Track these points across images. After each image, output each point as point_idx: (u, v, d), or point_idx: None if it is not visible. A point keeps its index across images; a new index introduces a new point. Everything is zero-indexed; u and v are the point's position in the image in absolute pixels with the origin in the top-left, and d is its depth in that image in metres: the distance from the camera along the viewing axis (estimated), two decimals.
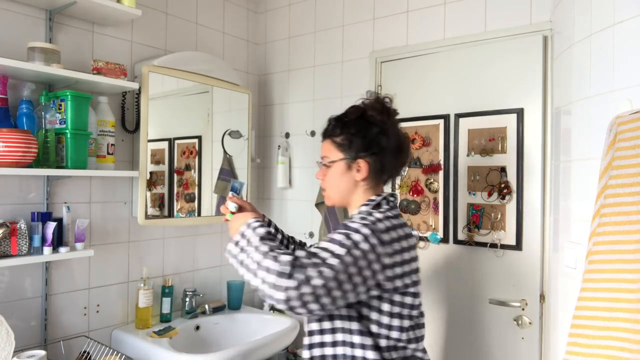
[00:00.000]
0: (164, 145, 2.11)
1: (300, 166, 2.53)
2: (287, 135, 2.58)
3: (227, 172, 2.39)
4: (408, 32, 2.17)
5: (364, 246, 1.07)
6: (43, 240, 1.64)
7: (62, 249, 1.68)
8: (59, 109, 1.68)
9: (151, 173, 2.03)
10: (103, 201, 1.96)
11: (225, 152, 2.37)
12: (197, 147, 2.26)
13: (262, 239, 1.10)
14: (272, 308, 2.49)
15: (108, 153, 1.87)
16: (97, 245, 1.93)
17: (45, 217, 1.67)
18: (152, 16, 2.15)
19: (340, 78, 2.39)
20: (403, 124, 2.13)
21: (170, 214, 2.13)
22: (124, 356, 1.71)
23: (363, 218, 1.14)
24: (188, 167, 2.21)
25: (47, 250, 1.64)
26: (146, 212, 2.01)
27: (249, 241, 1.11)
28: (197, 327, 2.15)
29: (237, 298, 2.36)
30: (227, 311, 2.33)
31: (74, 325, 1.87)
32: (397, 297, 1.16)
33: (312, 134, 2.47)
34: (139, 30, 2.10)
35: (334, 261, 1.03)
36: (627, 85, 1.30)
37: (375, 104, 1.27)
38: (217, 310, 2.29)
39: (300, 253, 1.05)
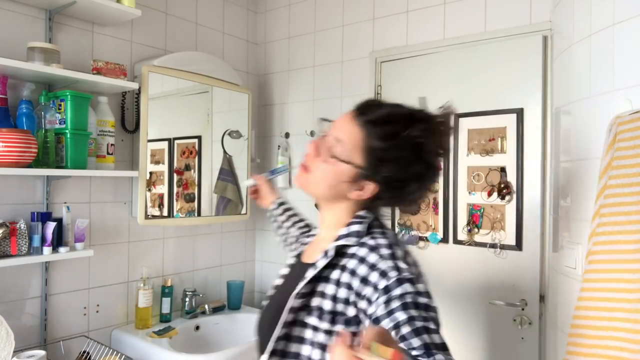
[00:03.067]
0: (164, 145, 2.11)
1: None
2: (287, 135, 2.58)
3: (227, 172, 2.39)
4: (408, 32, 2.17)
5: (429, 302, 0.85)
6: (43, 240, 1.64)
7: (62, 249, 1.68)
8: (59, 109, 1.68)
9: (151, 173, 2.03)
10: (103, 201, 1.96)
11: (225, 152, 2.37)
12: (197, 147, 2.26)
13: None
14: None
15: (108, 153, 1.87)
16: (97, 245, 1.93)
17: (45, 217, 1.67)
18: (152, 16, 2.15)
19: (340, 78, 2.39)
20: None
21: (170, 214, 2.13)
22: (123, 356, 1.71)
23: (395, 268, 0.86)
24: (188, 167, 2.21)
25: (46, 250, 1.64)
26: (146, 212, 2.01)
27: None
28: (197, 327, 2.15)
29: (237, 298, 2.36)
30: (227, 311, 2.33)
31: (73, 325, 1.87)
32: None
33: (312, 134, 2.46)
34: (138, 30, 2.10)
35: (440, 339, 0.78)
36: (627, 85, 1.30)
37: (438, 129, 0.97)
38: (217, 310, 2.28)
39: None
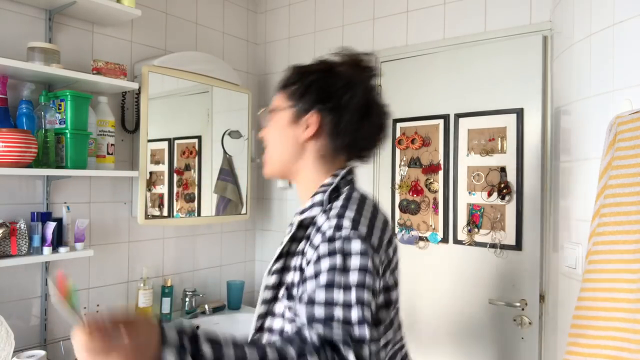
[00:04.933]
0: (164, 145, 2.11)
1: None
2: None
3: (227, 172, 2.39)
4: (408, 32, 2.17)
5: (364, 263, 0.81)
6: (43, 240, 1.64)
7: (62, 249, 1.68)
8: (59, 109, 1.68)
9: (151, 173, 2.03)
10: (103, 201, 1.96)
11: (225, 152, 2.37)
12: (196, 147, 2.26)
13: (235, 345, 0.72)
14: None
15: (108, 153, 1.87)
16: (97, 245, 1.93)
17: (45, 217, 1.67)
18: (152, 16, 2.15)
19: None
20: (403, 124, 2.14)
21: (170, 214, 2.13)
22: None
23: (336, 226, 0.84)
24: (188, 167, 2.21)
25: (46, 250, 1.64)
26: (146, 212, 2.01)
27: None
28: (197, 327, 2.14)
29: (237, 298, 2.36)
30: (227, 311, 2.33)
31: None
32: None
33: None
34: (138, 30, 2.10)
35: (355, 314, 0.77)
36: (627, 85, 1.30)
37: (349, 59, 1.03)
38: (217, 310, 2.29)
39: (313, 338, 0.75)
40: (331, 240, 0.83)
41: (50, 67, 1.61)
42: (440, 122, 2.04)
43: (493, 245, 1.90)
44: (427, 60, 2.10)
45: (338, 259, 0.81)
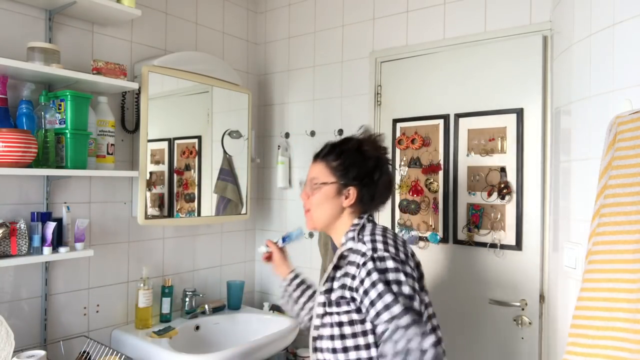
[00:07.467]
0: (164, 145, 2.11)
1: (300, 166, 2.52)
2: (287, 135, 2.58)
3: (227, 172, 2.39)
4: (408, 32, 2.17)
5: (401, 277, 1.15)
6: (43, 240, 1.64)
7: (62, 249, 1.68)
8: (59, 109, 1.67)
9: (151, 173, 2.03)
10: (103, 201, 1.96)
11: (225, 152, 2.37)
12: (196, 147, 2.26)
13: None
14: (272, 308, 2.49)
15: (108, 153, 1.87)
16: (97, 245, 1.93)
17: (45, 217, 1.67)
18: (152, 16, 2.15)
19: (340, 78, 2.39)
20: (403, 124, 2.15)
21: (170, 214, 2.13)
22: (123, 356, 1.71)
23: (373, 258, 1.17)
24: (188, 167, 2.21)
25: (46, 250, 1.63)
26: (146, 212, 2.01)
27: None
28: (197, 327, 2.15)
29: (236, 298, 2.36)
30: (227, 311, 2.33)
31: (73, 325, 1.87)
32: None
33: (312, 134, 2.47)
34: (138, 30, 2.10)
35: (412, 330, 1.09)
36: (627, 85, 1.30)
37: (370, 140, 1.34)
38: (217, 310, 2.29)
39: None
40: (371, 259, 1.17)
41: (50, 67, 1.61)
42: (440, 122, 2.04)
43: (493, 245, 1.90)
44: (427, 60, 2.10)
45: (381, 279, 1.14)
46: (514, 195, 1.86)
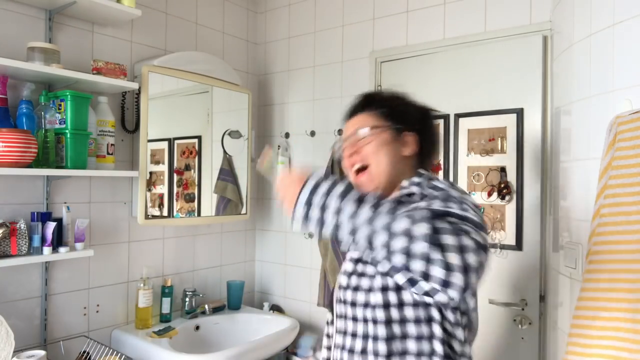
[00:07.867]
0: (164, 145, 2.11)
1: (300, 166, 2.52)
2: (287, 135, 2.58)
3: (227, 172, 2.39)
4: (408, 32, 2.17)
5: (472, 231, 0.84)
6: (43, 240, 1.64)
7: (62, 249, 1.68)
8: (59, 109, 1.68)
9: (151, 173, 2.03)
10: (103, 201, 1.96)
11: (225, 152, 2.37)
12: (196, 147, 2.26)
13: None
14: (272, 308, 2.49)
15: (108, 153, 1.87)
16: (97, 245, 1.93)
17: (45, 217, 1.67)
18: (152, 16, 2.15)
19: (340, 78, 2.39)
20: None
21: (170, 214, 2.13)
22: (123, 356, 1.71)
23: (443, 195, 0.94)
24: (188, 167, 2.21)
25: (46, 250, 1.63)
26: (146, 212, 2.01)
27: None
28: (197, 327, 2.15)
29: (236, 298, 2.36)
30: (227, 311, 2.33)
31: (73, 325, 1.87)
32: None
33: (312, 134, 2.46)
34: (138, 30, 2.10)
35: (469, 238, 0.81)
36: (627, 85, 1.30)
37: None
38: (216, 310, 2.28)
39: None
40: (443, 199, 0.93)
41: (50, 67, 1.61)
42: (440, 122, 2.04)
43: (493, 245, 1.90)
44: (427, 60, 2.10)
45: (447, 205, 0.91)
46: (514, 195, 1.86)
